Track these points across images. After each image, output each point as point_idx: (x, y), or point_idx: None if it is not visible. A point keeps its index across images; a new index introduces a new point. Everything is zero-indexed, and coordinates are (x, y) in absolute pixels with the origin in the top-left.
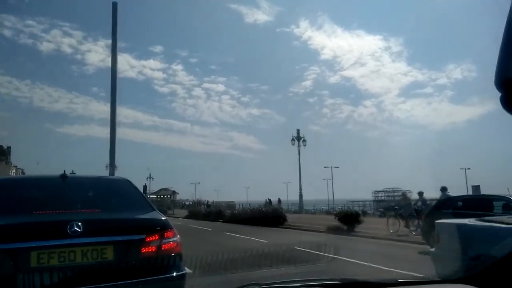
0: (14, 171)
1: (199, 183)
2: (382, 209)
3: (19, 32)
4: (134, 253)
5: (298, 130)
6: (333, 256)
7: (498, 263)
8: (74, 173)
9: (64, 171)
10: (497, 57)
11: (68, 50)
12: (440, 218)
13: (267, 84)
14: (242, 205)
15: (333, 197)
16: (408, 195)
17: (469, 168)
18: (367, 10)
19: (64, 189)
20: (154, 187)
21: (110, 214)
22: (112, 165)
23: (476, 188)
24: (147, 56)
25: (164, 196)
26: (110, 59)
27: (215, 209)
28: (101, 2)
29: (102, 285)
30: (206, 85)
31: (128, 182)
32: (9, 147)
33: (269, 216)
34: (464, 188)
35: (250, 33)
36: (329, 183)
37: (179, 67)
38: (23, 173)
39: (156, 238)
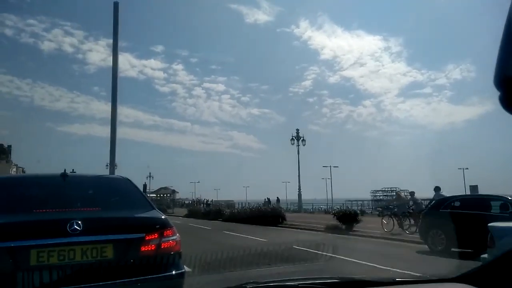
0: (14, 169)
1: (198, 182)
2: (380, 209)
3: (20, 31)
4: (134, 252)
5: (297, 130)
6: (331, 255)
7: (494, 262)
8: (75, 172)
9: (65, 170)
10: (496, 57)
11: (70, 49)
12: (438, 218)
13: (267, 84)
14: (242, 204)
15: (332, 197)
16: (402, 194)
17: (467, 168)
18: (367, 10)
19: (64, 188)
20: (154, 186)
21: (110, 213)
22: (112, 164)
23: (474, 188)
24: (148, 56)
25: (164, 195)
26: (111, 58)
27: (214, 208)
28: (102, 2)
29: (102, 283)
30: (206, 84)
31: (128, 181)
32: (9, 146)
33: (268, 215)
34: (462, 188)
35: (250, 33)
36: (328, 183)
37: (180, 66)
38: (23, 171)
39: (156, 236)
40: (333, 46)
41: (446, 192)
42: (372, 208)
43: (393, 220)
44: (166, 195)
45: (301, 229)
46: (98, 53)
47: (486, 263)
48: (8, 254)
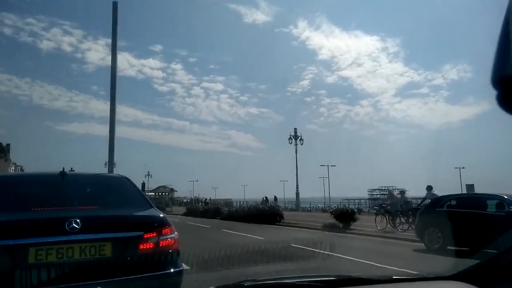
0: (13, 168)
1: (197, 180)
2: (377, 207)
3: (19, 30)
4: (132, 250)
5: (295, 129)
6: (329, 253)
7: (491, 260)
8: (73, 171)
9: (63, 168)
10: (492, 57)
11: (68, 48)
12: (435, 217)
13: (266, 84)
14: (240, 203)
15: (329, 195)
16: (395, 193)
17: (463, 167)
18: (365, 11)
19: (63, 186)
20: (152, 184)
21: (109, 211)
22: (111, 163)
23: (470, 187)
24: (147, 55)
25: (162, 193)
26: (110, 57)
27: (212, 207)
28: (101, 1)
29: (100, 281)
30: (205, 84)
31: (126, 180)
32: (8, 144)
33: (266, 214)
34: (458, 187)
35: (249, 33)
36: (326, 182)
37: (179, 66)
38: (22, 170)
39: (154, 235)
40: (331, 46)
41: (443, 191)
42: (369, 206)
43: (386, 219)
44: (165, 194)
45: (298, 227)
46: (97, 52)
47: (483, 261)
48: (7, 252)
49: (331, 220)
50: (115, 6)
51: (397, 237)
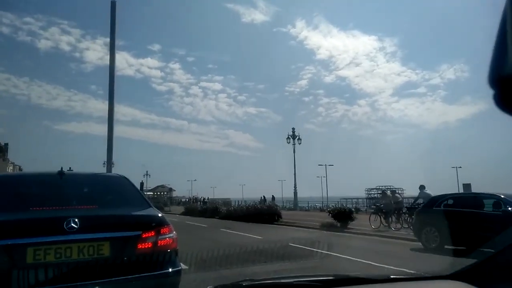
0: (11, 168)
1: (195, 180)
2: (374, 206)
3: (17, 29)
4: (131, 249)
5: (293, 129)
6: (326, 252)
7: (489, 259)
8: (72, 170)
9: (62, 168)
10: (489, 57)
11: (67, 47)
12: (431, 216)
13: (264, 83)
14: (238, 202)
15: (327, 195)
16: (388, 193)
17: (460, 167)
18: (362, 10)
19: (61, 186)
20: (151, 184)
21: (107, 211)
22: (109, 162)
23: (467, 186)
24: (145, 55)
25: (160, 193)
26: (108, 57)
27: (211, 206)
28: (99, 0)
29: (99, 281)
30: (203, 83)
31: (125, 179)
32: (6, 144)
33: (264, 213)
34: (455, 186)
35: (247, 32)
36: (324, 181)
37: (177, 65)
38: (20, 170)
39: (153, 234)
40: (329, 46)
41: (440, 191)
42: (366, 206)
43: (380, 218)
44: (163, 193)
45: (296, 226)
46: (95, 52)
47: (481, 261)
48: (5, 252)
49: (329, 219)
50: (113, 5)
51: (395, 236)
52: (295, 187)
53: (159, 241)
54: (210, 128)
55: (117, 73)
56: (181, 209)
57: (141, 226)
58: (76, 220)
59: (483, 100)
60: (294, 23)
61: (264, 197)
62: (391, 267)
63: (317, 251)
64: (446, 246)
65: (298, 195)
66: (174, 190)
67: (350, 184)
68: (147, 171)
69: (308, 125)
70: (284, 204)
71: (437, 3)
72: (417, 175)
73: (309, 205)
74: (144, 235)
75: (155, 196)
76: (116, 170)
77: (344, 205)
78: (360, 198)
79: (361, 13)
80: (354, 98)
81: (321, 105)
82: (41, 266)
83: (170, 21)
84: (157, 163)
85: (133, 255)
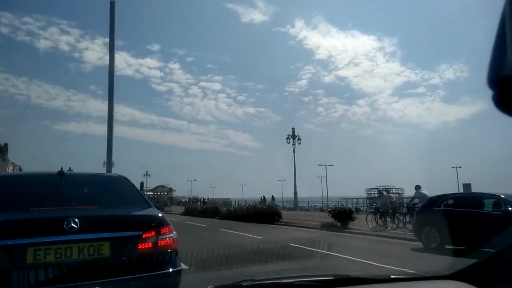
0: (11, 168)
1: (195, 180)
2: (374, 205)
3: (16, 29)
4: (131, 249)
5: (293, 129)
6: (327, 252)
7: (489, 260)
8: (72, 170)
9: (62, 168)
10: (488, 57)
11: (66, 47)
12: (432, 216)
13: (263, 83)
14: (238, 202)
15: (327, 195)
16: (384, 193)
17: (460, 167)
18: (361, 10)
19: (61, 186)
20: (151, 184)
21: (107, 211)
22: (109, 163)
23: (467, 186)
24: (145, 55)
25: (161, 193)
26: (107, 57)
27: (211, 206)
28: (98, 0)
29: (99, 281)
30: (202, 83)
31: (125, 179)
32: (6, 144)
33: (265, 213)
34: (455, 186)
35: (246, 32)
36: (323, 181)
37: (176, 65)
38: (20, 170)
39: (153, 234)
40: (328, 46)
41: (440, 191)
42: (366, 206)
43: (376, 218)
44: (163, 193)
45: (297, 226)
46: (94, 52)
47: (481, 261)
48: (5, 252)
49: (329, 219)
50: (112, 5)
51: (394, 236)
52: (295, 187)
53: (159, 241)
54: (210, 128)
55: (117, 73)
56: (181, 209)
57: (141, 226)
58: (76, 220)
59: (482, 100)
60: (293, 23)
61: (264, 197)
62: (392, 267)
63: (317, 251)
64: (446, 246)
65: (298, 195)
66: (174, 190)
67: (350, 184)
68: (147, 171)
69: (307, 125)
70: (284, 204)
71: (436, 2)
72: (416, 175)
73: (309, 205)
74: (144, 235)
75: (155, 196)
76: (116, 170)
77: (344, 205)
78: (360, 198)
79: (360, 13)
80: (354, 98)
81: (321, 105)
82: (41, 266)
83: (169, 21)
84: (157, 163)
85: (133, 255)
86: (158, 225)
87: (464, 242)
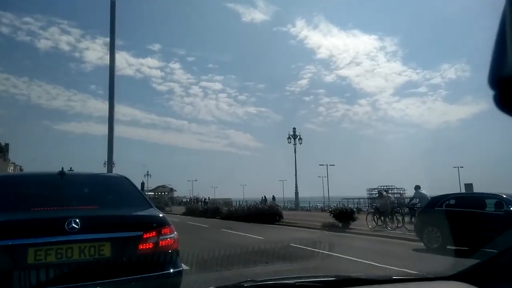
0: (12, 168)
1: (196, 180)
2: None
3: (16, 29)
4: (132, 250)
5: (294, 129)
6: (328, 253)
7: (491, 260)
8: (72, 170)
9: (62, 168)
10: (490, 57)
11: (66, 47)
12: (433, 216)
13: (264, 83)
14: (239, 202)
15: (329, 195)
16: (384, 194)
17: (462, 167)
18: (362, 10)
19: (62, 186)
20: (151, 184)
21: (108, 211)
22: (110, 162)
23: (468, 186)
24: (145, 54)
25: (161, 193)
26: (108, 57)
27: (212, 206)
28: (99, 0)
29: (99, 281)
30: (203, 83)
31: (125, 179)
32: (7, 144)
33: (266, 213)
34: (457, 186)
35: (247, 32)
36: (325, 181)
37: (177, 65)
38: (21, 170)
39: (154, 234)
40: (329, 45)
41: (441, 191)
42: (368, 206)
43: (376, 218)
44: (164, 193)
45: (298, 227)
46: (95, 52)
47: (483, 261)
48: (6, 253)
49: (330, 219)
50: (113, 5)
51: (395, 236)
52: (296, 187)
53: (160, 242)
54: (211, 128)
55: (117, 73)
56: (182, 209)
57: (142, 226)
58: (77, 220)
59: (484, 100)
60: (294, 22)
61: (265, 197)
62: (393, 267)
63: (318, 252)
64: (448, 247)
65: (299, 195)
66: (175, 190)
67: (351, 184)
68: (147, 171)
69: (308, 124)
70: (285, 204)
71: (437, 2)
72: (418, 175)
73: (310, 205)
74: (145, 236)
75: (156, 196)
76: (116, 170)
77: (346, 205)
78: (361, 198)
79: (361, 12)
80: (355, 98)
81: (322, 105)
82: (42, 267)
83: (170, 20)
84: (158, 163)
85: (134, 256)
86: (159, 225)
87: (466, 242)
